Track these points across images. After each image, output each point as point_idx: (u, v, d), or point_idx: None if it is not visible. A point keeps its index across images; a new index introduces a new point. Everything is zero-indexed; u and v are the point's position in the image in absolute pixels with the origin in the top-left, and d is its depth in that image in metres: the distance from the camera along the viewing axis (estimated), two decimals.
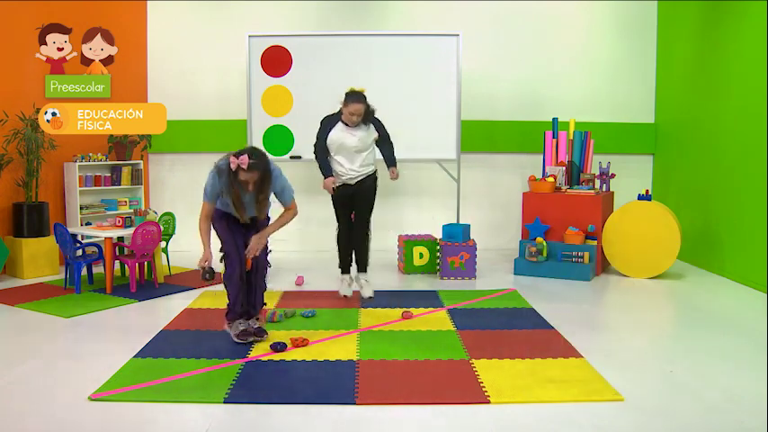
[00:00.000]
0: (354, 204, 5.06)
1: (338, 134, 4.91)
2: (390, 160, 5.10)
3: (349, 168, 4.93)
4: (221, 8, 7.26)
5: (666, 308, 5.19)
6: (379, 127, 5.04)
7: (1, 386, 3.35)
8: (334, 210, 5.10)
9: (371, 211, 5.11)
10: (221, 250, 4.01)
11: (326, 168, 4.95)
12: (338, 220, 5.12)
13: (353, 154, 4.92)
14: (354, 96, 4.86)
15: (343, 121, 4.91)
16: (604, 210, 6.11)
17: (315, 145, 4.99)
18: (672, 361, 3.74)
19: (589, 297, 5.32)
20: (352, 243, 5.13)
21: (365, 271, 5.20)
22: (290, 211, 4.17)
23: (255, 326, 4.07)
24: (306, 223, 7.32)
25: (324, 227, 7.47)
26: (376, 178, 5.09)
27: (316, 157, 4.99)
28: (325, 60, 6.33)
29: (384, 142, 5.09)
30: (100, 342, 4.10)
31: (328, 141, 4.91)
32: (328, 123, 4.95)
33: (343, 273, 5.18)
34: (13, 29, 5.94)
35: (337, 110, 4.95)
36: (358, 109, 4.82)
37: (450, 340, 4.08)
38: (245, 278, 4.03)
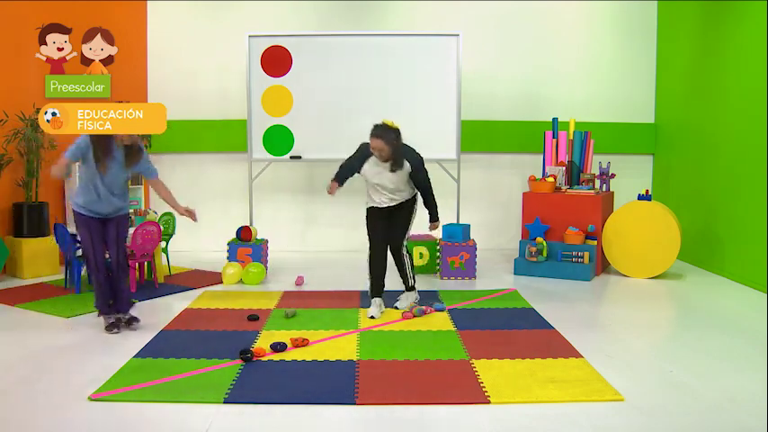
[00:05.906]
0: (390, 226, 4.71)
1: (372, 171, 4.55)
2: (432, 215, 4.77)
3: (380, 201, 4.63)
4: (221, 8, 7.26)
5: (666, 308, 5.18)
6: (416, 170, 4.53)
7: (1, 386, 3.35)
8: (367, 230, 4.71)
9: (405, 234, 4.76)
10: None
11: (340, 176, 4.61)
12: (370, 242, 4.72)
13: (388, 192, 4.60)
14: (375, 130, 4.41)
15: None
16: (604, 210, 6.11)
17: (343, 163, 4.63)
18: (672, 361, 3.74)
19: (589, 297, 5.32)
20: (382, 267, 4.73)
21: (413, 289, 4.92)
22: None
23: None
24: (306, 223, 7.34)
25: (324, 227, 7.52)
26: (415, 201, 4.74)
27: (339, 168, 4.64)
28: (325, 60, 6.32)
29: (419, 187, 4.63)
30: (100, 342, 4.10)
31: (363, 172, 4.58)
32: (365, 152, 4.54)
33: (373, 297, 4.75)
34: (13, 29, 5.95)
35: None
36: (377, 145, 4.39)
37: (450, 340, 4.08)
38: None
